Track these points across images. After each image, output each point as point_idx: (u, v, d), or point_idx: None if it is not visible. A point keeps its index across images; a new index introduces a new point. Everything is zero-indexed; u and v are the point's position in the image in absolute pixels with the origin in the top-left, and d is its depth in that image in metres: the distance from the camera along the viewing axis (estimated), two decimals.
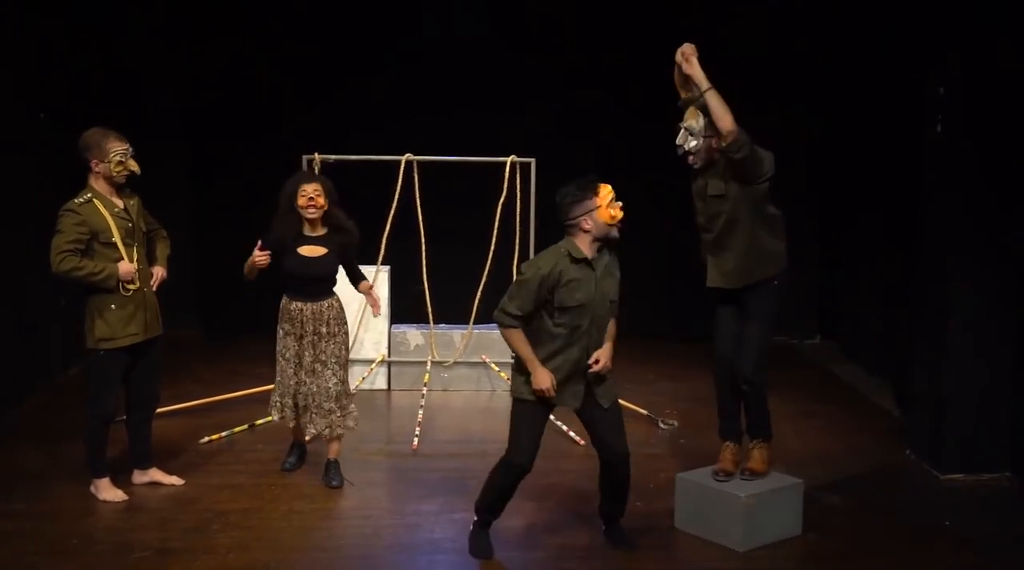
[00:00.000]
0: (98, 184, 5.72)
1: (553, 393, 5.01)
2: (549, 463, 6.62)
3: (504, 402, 8.21)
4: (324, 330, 6.04)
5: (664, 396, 8.19)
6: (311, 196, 5.93)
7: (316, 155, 8.17)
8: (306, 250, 6.01)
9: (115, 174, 5.68)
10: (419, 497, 6.07)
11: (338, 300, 6.17)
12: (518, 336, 5.03)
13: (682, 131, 5.37)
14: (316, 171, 8.13)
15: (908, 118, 7.26)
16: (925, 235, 6.65)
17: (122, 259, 5.69)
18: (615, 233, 5.06)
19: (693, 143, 5.35)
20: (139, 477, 6.14)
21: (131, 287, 5.71)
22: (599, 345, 5.07)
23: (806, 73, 9.70)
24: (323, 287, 6.09)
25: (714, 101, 5.18)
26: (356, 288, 6.43)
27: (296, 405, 6.10)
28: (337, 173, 8.24)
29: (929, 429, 6.61)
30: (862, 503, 6.03)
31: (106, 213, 5.67)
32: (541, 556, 5.30)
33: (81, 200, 5.66)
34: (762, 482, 5.50)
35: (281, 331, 6.08)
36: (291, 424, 6.21)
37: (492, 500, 5.24)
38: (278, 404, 6.15)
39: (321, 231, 6.06)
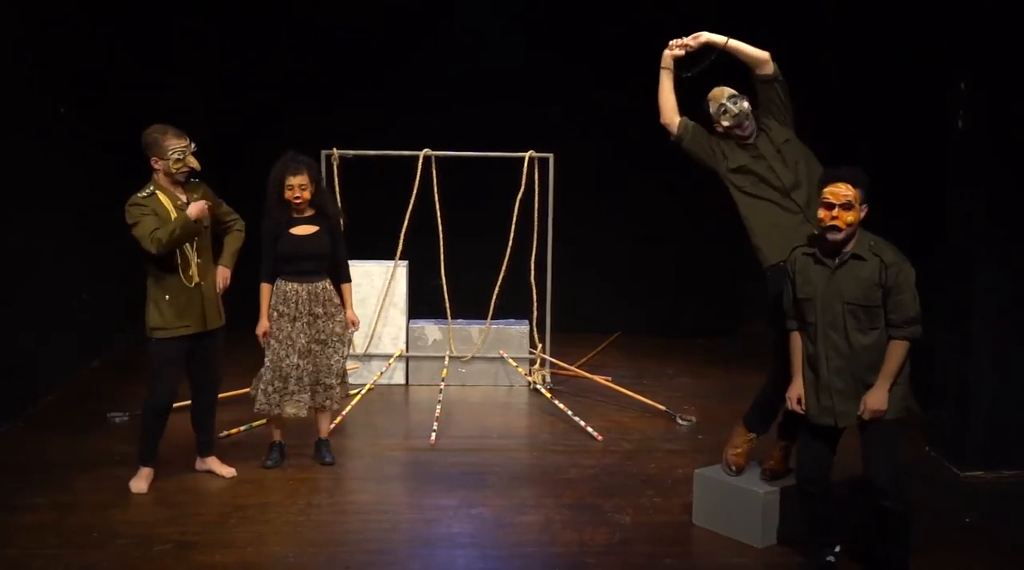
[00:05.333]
0: (161, 179, 5.85)
1: (797, 407, 4.85)
2: (568, 459, 6.66)
3: (522, 397, 8.25)
4: (320, 311, 6.18)
5: (683, 392, 8.18)
6: (297, 193, 6.08)
7: (335, 150, 8.19)
8: (298, 230, 6.16)
9: (174, 171, 5.81)
10: (437, 492, 6.08)
11: (330, 283, 6.28)
12: (791, 339, 4.90)
13: (725, 104, 5.36)
14: (335, 166, 8.17)
15: (933, 115, 7.20)
16: (949, 233, 6.61)
17: (182, 255, 5.81)
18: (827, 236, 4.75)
19: (745, 104, 5.36)
20: (199, 464, 6.26)
21: (194, 274, 5.80)
22: (839, 352, 4.72)
23: (828, 71, 9.65)
24: (317, 266, 6.21)
25: (740, 42, 5.31)
26: (339, 286, 6.38)
27: (285, 389, 6.15)
28: (356, 168, 8.30)
29: (950, 426, 6.57)
30: None
31: (169, 206, 5.80)
32: (559, 551, 5.30)
33: (144, 194, 5.80)
34: (781, 479, 5.49)
35: (275, 313, 6.16)
36: (273, 411, 6.21)
37: (808, 523, 5.08)
38: (264, 390, 6.18)
39: (310, 212, 6.21)
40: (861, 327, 4.70)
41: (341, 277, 6.40)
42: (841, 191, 4.66)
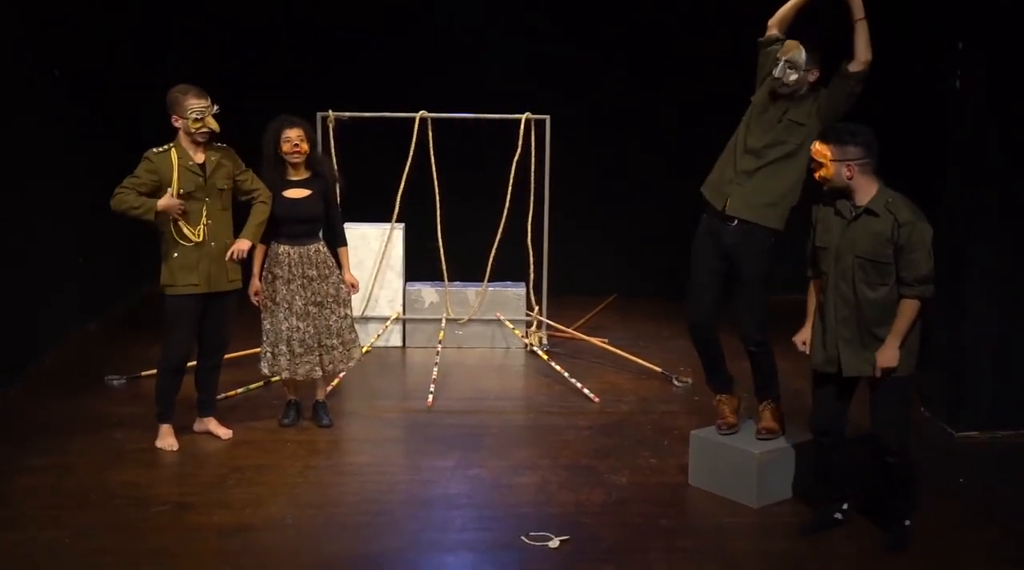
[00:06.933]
0: (181, 137, 5.87)
1: (803, 348, 5.01)
2: (564, 420, 6.67)
3: (518, 360, 8.26)
4: (313, 273, 6.19)
5: (679, 354, 8.17)
6: (295, 142, 6.09)
7: (330, 112, 8.14)
8: (291, 193, 6.16)
9: (193, 131, 5.80)
10: (434, 453, 6.10)
11: (324, 245, 6.29)
12: (810, 286, 5.03)
13: (782, 63, 5.28)
14: (330, 128, 8.13)
15: (932, 77, 7.15)
16: (945, 194, 6.58)
17: (190, 215, 5.83)
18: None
19: (793, 77, 5.28)
20: (198, 424, 6.31)
21: (190, 233, 5.83)
22: (847, 303, 4.78)
23: (829, 46, 9.57)
24: (309, 229, 6.21)
25: (866, 30, 5.17)
26: (335, 250, 6.39)
27: (291, 352, 6.22)
28: (352, 131, 8.25)
29: (945, 387, 6.59)
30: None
31: (176, 165, 5.80)
32: (556, 512, 5.32)
33: (159, 150, 5.84)
34: (777, 439, 5.51)
35: (270, 276, 6.20)
36: (283, 375, 6.29)
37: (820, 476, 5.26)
38: (269, 354, 6.28)
39: (304, 174, 6.21)
40: (869, 281, 4.73)
41: (337, 241, 6.39)
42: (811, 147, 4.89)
